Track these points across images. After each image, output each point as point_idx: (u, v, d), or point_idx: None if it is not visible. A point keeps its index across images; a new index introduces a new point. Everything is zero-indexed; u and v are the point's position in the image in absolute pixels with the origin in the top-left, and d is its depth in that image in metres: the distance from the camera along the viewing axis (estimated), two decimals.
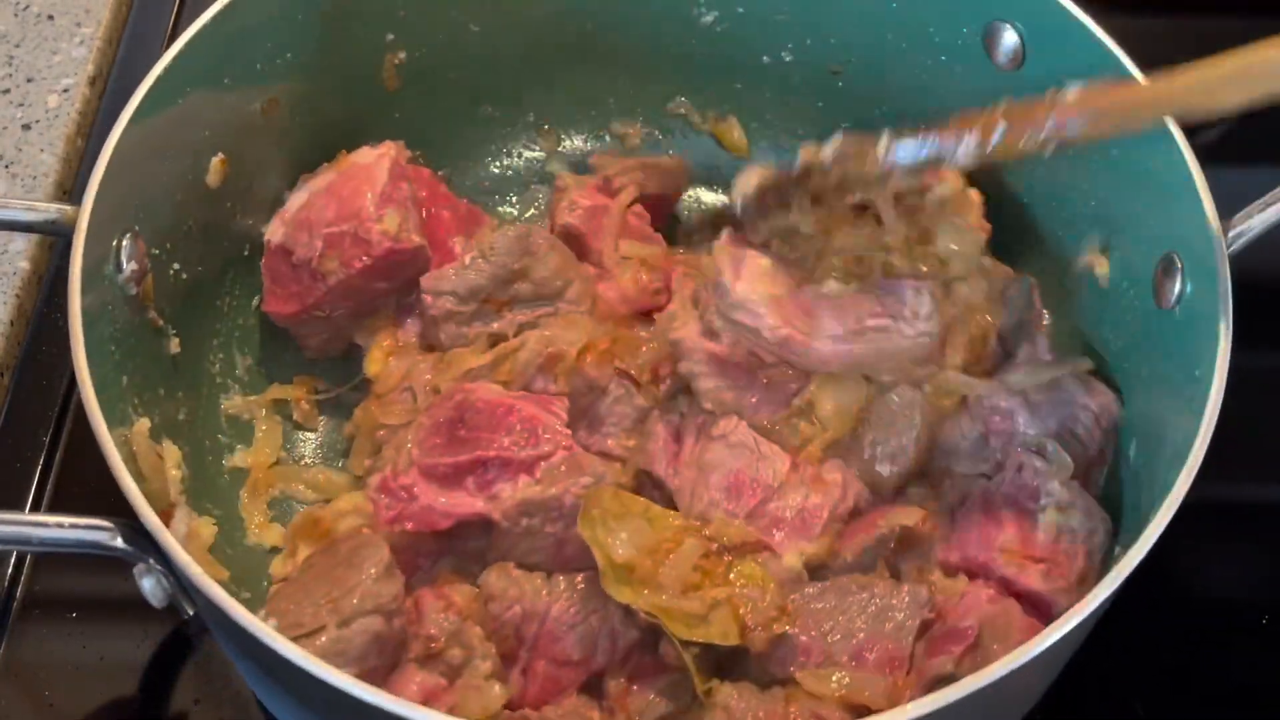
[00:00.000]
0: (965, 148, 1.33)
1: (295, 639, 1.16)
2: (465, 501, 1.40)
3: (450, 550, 1.44)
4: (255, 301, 1.64)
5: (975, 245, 1.51)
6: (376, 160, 1.60)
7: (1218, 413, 1.23)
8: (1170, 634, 1.55)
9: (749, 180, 1.46)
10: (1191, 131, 1.37)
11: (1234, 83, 1.19)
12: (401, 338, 1.60)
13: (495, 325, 1.55)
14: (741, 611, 1.33)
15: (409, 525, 1.40)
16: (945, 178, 1.55)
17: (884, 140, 1.38)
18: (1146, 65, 1.42)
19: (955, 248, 1.50)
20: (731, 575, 1.36)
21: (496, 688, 1.31)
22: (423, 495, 1.40)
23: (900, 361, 1.45)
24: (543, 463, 1.41)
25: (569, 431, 1.44)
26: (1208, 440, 1.21)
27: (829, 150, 1.40)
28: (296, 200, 1.60)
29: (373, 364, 1.59)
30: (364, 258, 1.54)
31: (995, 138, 1.30)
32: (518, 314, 1.56)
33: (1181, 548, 1.55)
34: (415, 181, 1.62)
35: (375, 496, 1.41)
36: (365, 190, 1.57)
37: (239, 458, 1.57)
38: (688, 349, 1.47)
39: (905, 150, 1.37)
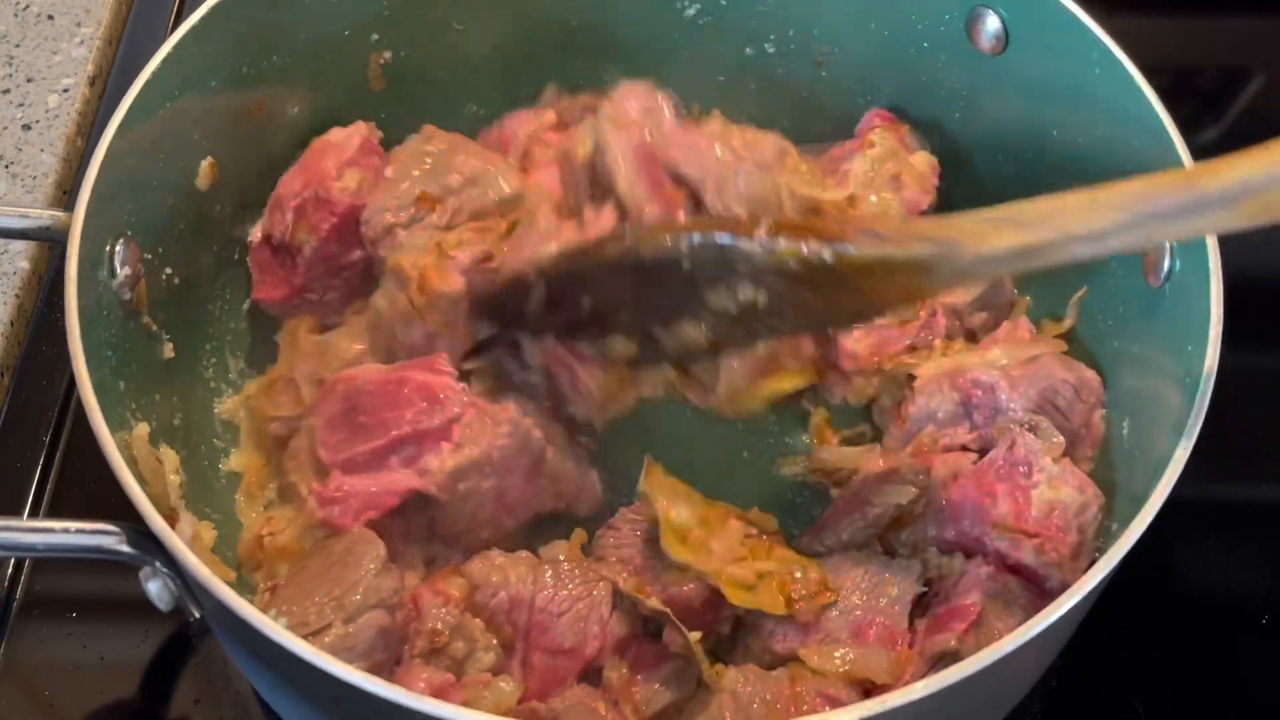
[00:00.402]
0: (754, 245, 1.28)
1: (304, 637, 1.16)
2: (398, 479, 1.40)
3: (408, 531, 1.44)
4: (246, 305, 1.64)
5: (898, 209, 1.58)
6: (346, 137, 1.60)
7: (1211, 389, 1.24)
8: (1170, 632, 1.56)
9: None
10: (1189, 130, 1.39)
11: (1008, 226, 1.20)
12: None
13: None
14: (788, 586, 1.35)
15: (370, 514, 1.39)
16: (875, 141, 1.62)
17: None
18: (1146, 64, 1.44)
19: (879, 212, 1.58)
20: (773, 556, 1.40)
21: (509, 685, 1.32)
22: (357, 488, 1.40)
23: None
24: (455, 426, 1.41)
25: (464, 386, 1.44)
26: (1202, 416, 1.23)
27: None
28: (290, 175, 1.61)
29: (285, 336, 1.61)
30: (329, 217, 1.54)
31: (777, 243, 1.27)
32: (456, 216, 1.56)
33: (1181, 546, 1.57)
34: (381, 158, 1.62)
35: (327, 512, 1.39)
36: (330, 159, 1.57)
37: (234, 461, 1.57)
38: (605, 145, 1.48)
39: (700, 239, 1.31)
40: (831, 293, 1.27)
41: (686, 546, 1.37)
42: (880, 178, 1.61)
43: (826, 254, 1.24)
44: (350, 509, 1.39)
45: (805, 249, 1.25)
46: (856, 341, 1.55)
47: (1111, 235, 1.15)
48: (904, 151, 1.65)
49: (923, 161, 1.64)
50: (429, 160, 1.57)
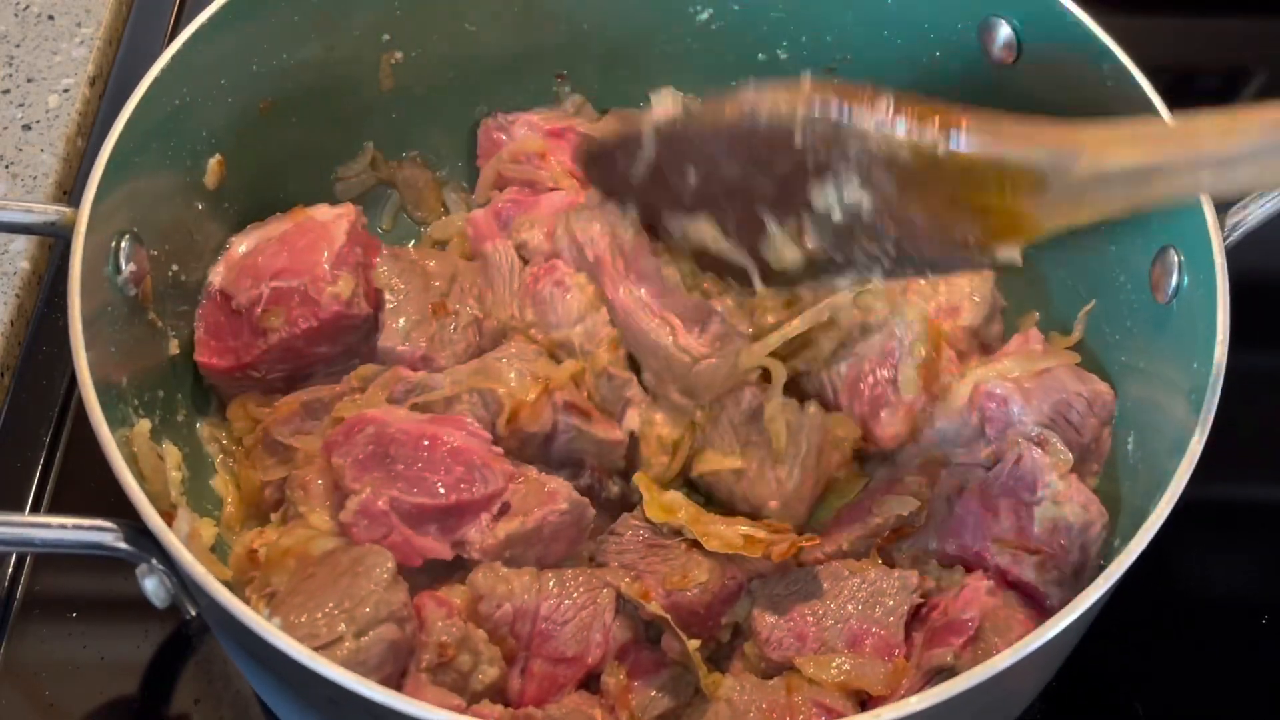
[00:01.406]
0: (870, 122, 1.23)
1: (316, 650, 1.15)
2: (433, 546, 1.37)
3: None
4: None
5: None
6: (335, 219, 1.56)
7: (1216, 405, 1.24)
8: (1170, 634, 1.56)
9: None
10: None
11: (1134, 141, 1.14)
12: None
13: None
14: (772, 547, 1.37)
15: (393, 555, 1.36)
16: None
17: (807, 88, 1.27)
18: (1147, 64, 1.44)
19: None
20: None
21: None
22: (397, 529, 1.37)
23: (664, 361, 1.47)
24: (498, 500, 1.39)
25: (500, 451, 1.42)
26: (1207, 432, 1.22)
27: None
28: (243, 245, 1.56)
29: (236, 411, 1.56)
30: (311, 319, 1.49)
31: (896, 123, 1.21)
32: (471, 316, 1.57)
33: (1181, 548, 1.57)
34: (365, 248, 1.57)
35: (355, 521, 1.36)
36: (322, 247, 1.52)
37: (217, 484, 1.54)
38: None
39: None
40: (938, 206, 1.21)
41: (669, 512, 1.40)
42: None
43: (941, 143, 1.19)
44: (374, 536, 1.36)
45: (920, 134, 1.20)
46: (892, 425, 1.51)
47: (1244, 162, 1.07)
48: None
49: None
50: (409, 277, 1.57)
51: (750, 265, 1.38)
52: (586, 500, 1.42)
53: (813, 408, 1.49)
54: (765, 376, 1.50)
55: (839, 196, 1.25)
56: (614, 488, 1.50)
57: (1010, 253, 1.25)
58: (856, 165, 1.23)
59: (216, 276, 1.54)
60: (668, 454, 1.48)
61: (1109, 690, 1.51)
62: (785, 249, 1.33)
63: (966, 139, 1.18)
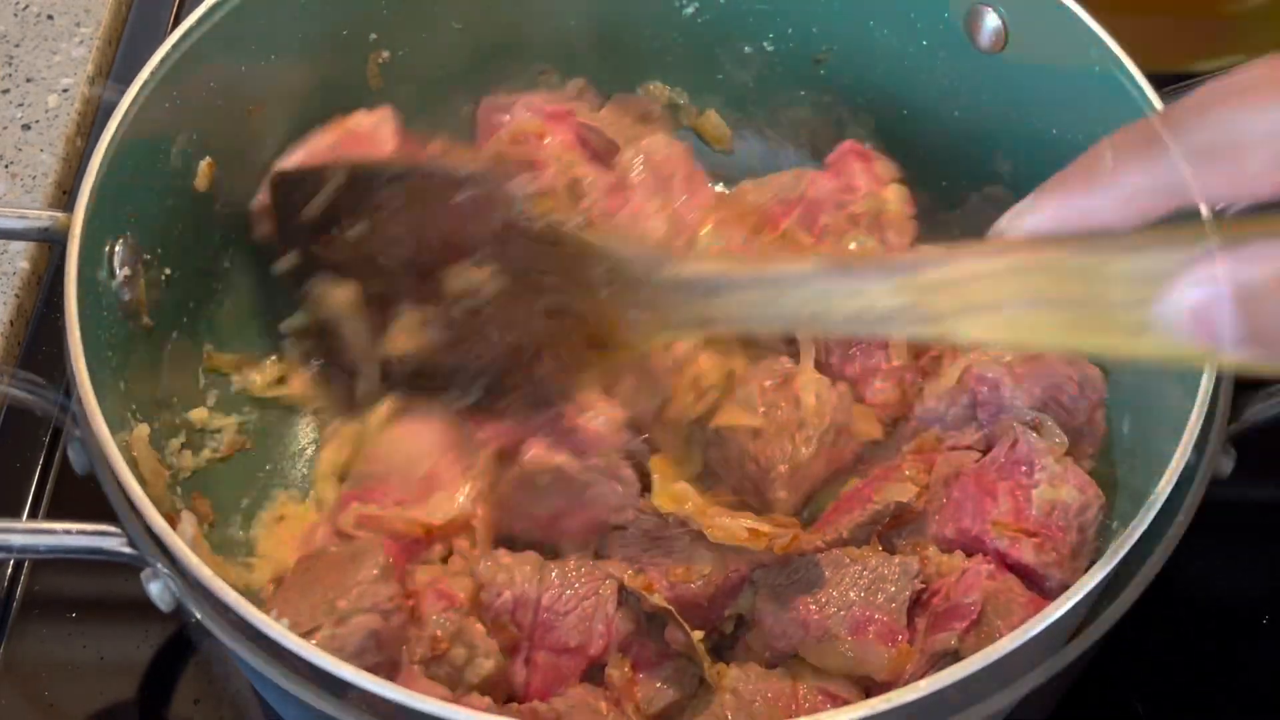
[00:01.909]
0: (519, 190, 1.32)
1: (301, 636, 1.16)
2: None
3: None
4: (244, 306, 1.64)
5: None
6: (377, 125, 1.59)
7: (1214, 382, 1.24)
8: (1170, 634, 1.56)
9: None
10: None
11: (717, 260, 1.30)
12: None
13: None
14: (777, 540, 1.37)
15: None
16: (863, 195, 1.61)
17: None
18: (1146, 64, 1.44)
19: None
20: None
21: None
22: None
23: None
24: None
25: None
26: (1205, 411, 1.23)
27: None
28: (296, 158, 1.58)
29: None
30: None
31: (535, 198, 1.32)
32: None
33: (1182, 548, 1.56)
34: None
35: (352, 532, 1.40)
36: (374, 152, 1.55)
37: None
38: None
39: None
40: (549, 294, 1.28)
41: (676, 501, 1.41)
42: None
43: (571, 221, 1.27)
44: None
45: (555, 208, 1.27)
46: (882, 392, 1.54)
47: (789, 286, 1.15)
48: (878, 188, 1.64)
49: (896, 196, 1.63)
50: None
51: (369, 350, 1.40)
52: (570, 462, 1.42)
53: (842, 387, 1.50)
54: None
55: (472, 277, 1.31)
56: None
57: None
58: (497, 237, 1.29)
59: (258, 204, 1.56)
60: (696, 394, 1.50)
61: (1109, 691, 1.51)
62: (403, 336, 1.36)
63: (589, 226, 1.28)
